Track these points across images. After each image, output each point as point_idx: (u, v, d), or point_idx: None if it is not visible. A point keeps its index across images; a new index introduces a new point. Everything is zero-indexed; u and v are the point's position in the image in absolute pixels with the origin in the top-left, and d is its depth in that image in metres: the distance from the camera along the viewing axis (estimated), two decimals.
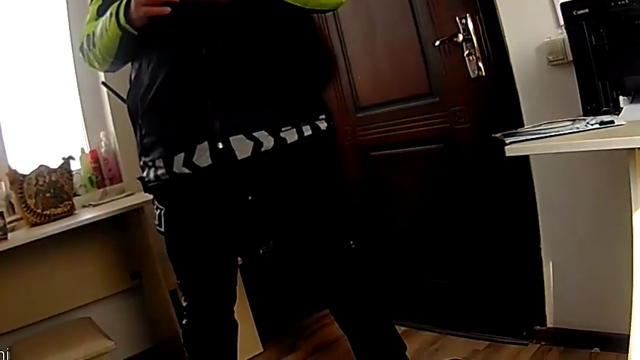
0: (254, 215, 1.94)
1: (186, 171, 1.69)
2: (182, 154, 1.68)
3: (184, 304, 2.00)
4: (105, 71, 1.97)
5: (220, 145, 1.65)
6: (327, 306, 2.13)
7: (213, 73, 1.64)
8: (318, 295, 2.16)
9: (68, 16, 3.01)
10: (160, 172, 1.73)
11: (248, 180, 1.77)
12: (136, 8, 1.59)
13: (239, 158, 1.67)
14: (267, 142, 1.69)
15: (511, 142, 1.61)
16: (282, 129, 1.71)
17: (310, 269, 2.02)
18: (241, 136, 1.66)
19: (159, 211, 1.86)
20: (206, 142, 1.66)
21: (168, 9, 1.56)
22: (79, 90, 2.99)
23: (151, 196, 1.92)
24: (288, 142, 1.72)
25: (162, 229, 1.86)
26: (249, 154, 1.67)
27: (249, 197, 1.84)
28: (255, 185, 1.80)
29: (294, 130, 1.73)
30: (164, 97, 1.68)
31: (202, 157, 1.66)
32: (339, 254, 1.96)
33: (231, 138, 1.65)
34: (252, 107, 1.67)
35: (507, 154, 1.61)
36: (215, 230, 1.86)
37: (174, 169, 1.70)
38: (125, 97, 1.89)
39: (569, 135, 1.54)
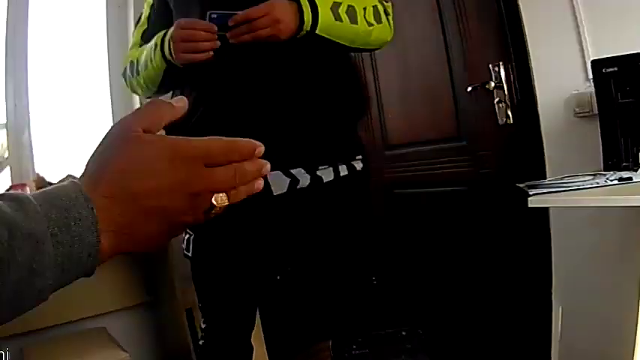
0: (279, 241, 1.99)
1: None
2: None
3: (203, 325, 1.99)
4: (148, 97, 1.95)
5: None
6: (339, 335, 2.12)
7: (253, 108, 1.63)
8: (335, 327, 2.16)
9: (107, 25, 3.11)
10: None
11: (281, 215, 1.75)
12: (176, 55, 1.60)
13: (274, 194, 1.66)
14: (304, 179, 1.68)
15: (534, 194, 1.65)
16: (320, 167, 1.70)
17: (329, 300, 1.97)
18: (279, 172, 1.65)
19: (187, 236, 1.84)
20: None
21: (211, 54, 1.57)
22: (111, 100, 3.05)
23: None
24: (324, 181, 1.70)
25: (190, 254, 1.85)
26: (285, 190, 1.67)
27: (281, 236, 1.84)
28: (288, 221, 1.79)
29: (331, 169, 1.72)
30: (203, 128, 1.61)
31: None
32: (360, 289, 1.93)
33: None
34: (291, 143, 1.65)
35: (530, 205, 1.64)
36: (243, 259, 1.84)
37: None
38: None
39: (589, 189, 1.59)
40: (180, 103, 0.66)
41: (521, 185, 1.78)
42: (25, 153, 2.88)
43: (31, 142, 2.92)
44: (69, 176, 2.62)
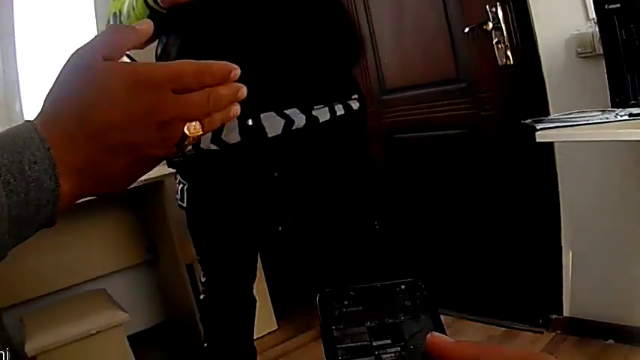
0: (279, 192, 1.93)
1: (214, 147, 1.64)
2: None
3: (203, 279, 1.97)
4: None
5: (250, 122, 1.60)
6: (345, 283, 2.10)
7: (244, 47, 1.58)
8: (339, 276, 2.15)
9: None
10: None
11: (276, 157, 1.73)
12: None
13: (269, 136, 1.62)
14: (299, 120, 1.64)
15: (542, 129, 1.62)
16: (315, 107, 1.66)
17: (331, 245, 1.98)
18: (272, 113, 1.61)
19: (181, 186, 1.82)
20: (236, 119, 1.63)
21: None
22: None
23: (173, 170, 1.89)
24: (320, 120, 1.66)
25: (185, 205, 1.82)
26: (280, 132, 1.62)
27: (276, 174, 1.81)
28: (282, 163, 1.76)
29: (327, 108, 1.68)
30: None
31: (231, 133, 1.62)
32: (363, 235, 1.92)
33: (261, 115, 1.61)
34: (284, 83, 1.62)
35: (538, 140, 1.62)
36: (239, 207, 1.82)
37: (201, 145, 1.65)
38: None
39: (598, 125, 1.55)
40: (144, 25, 0.58)
41: (527, 121, 1.74)
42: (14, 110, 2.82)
43: (22, 105, 2.86)
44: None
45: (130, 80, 0.50)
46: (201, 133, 0.54)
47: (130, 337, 2.39)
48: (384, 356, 0.46)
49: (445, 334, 0.46)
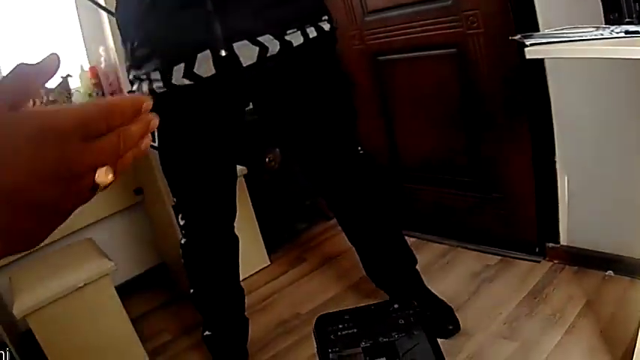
0: (257, 122, 1.93)
1: (187, 82, 1.62)
2: (182, 65, 1.60)
3: (181, 222, 1.97)
4: None
5: (223, 53, 1.58)
6: (335, 214, 2.11)
7: None
8: (327, 203, 2.12)
9: None
10: (155, 85, 1.65)
11: (251, 87, 1.71)
12: None
13: (244, 65, 1.61)
14: (273, 46, 1.62)
15: (532, 44, 1.52)
16: (287, 32, 1.64)
17: (318, 175, 1.97)
18: (245, 41, 1.59)
19: None
20: (208, 51, 1.58)
21: None
22: (76, 4, 2.85)
23: None
24: (294, 45, 1.65)
25: (156, 144, 1.80)
26: (255, 60, 1.61)
27: (250, 104, 1.84)
28: (258, 91, 1.75)
29: (299, 32, 1.67)
30: (161, 4, 1.58)
31: (204, 66, 1.60)
32: (347, 158, 1.91)
33: (234, 44, 1.58)
34: (254, 10, 1.59)
35: (527, 57, 1.53)
36: (213, 141, 1.81)
37: (172, 81, 1.62)
38: (112, 9, 1.78)
39: (593, 41, 1.44)
40: (52, 60, 0.50)
41: (515, 37, 1.63)
42: None
43: None
44: None
45: (35, 133, 0.44)
46: (113, 179, 0.49)
47: (123, 285, 2.39)
48: None
49: (439, 350, 0.48)
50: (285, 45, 1.64)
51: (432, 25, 2.37)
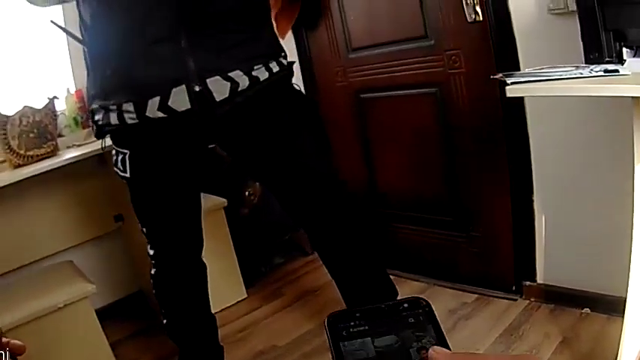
0: (232, 158, 1.98)
1: (161, 115, 1.64)
2: (157, 98, 1.62)
3: (151, 252, 1.99)
4: (45, 6, 1.89)
5: (197, 88, 1.62)
6: (315, 248, 2.10)
7: (186, 14, 1.59)
8: (308, 236, 2.12)
9: None
10: (127, 115, 1.67)
11: (222, 122, 1.73)
12: None
13: (217, 100, 1.65)
14: (243, 81, 1.68)
15: (513, 83, 1.55)
16: (254, 67, 1.70)
17: (295, 208, 1.97)
18: (217, 77, 1.64)
19: (122, 155, 1.80)
20: (183, 85, 1.62)
21: None
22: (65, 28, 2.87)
23: None
24: (261, 79, 1.71)
25: (128, 175, 1.82)
26: (227, 95, 1.66)
27: (211, 145, 1.89)
28: (228, 127, 1.77)
29: (264, 67, 1.73)
30: (136, 39, 1.61)
31: (179, 100, 1.62)
32: (324, 187, 1.90)
33: (207, 80, 1.63)
34: (223, 48, 1.65)
35: (508, 95, 1.56)
36: (180, 173, 1.84)
37: (147, 114, 1.65)
38: (78, 36, 1.79)
39: (573, 80, 1.49)
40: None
41: (497, 76, 1.68)
42: None
43: None
44: (25, 107, 2.49)
45: None
46: None
47: (100, 310, 2.36)
48: None
49: (448, 347, 0.49)
50: (253, 80, 1.69)
51: (414, 64, 2.43)
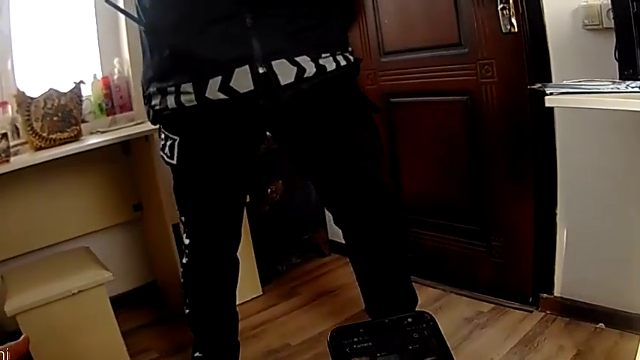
0: (263, 152, 1.90)
1: (222, 96, 1.57)
2: (219, 78, 1.56)
3: (186, 241, 1.93)
4: None
5: (262, 70, 1.56)
6: (347, 245, 2.03)
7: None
8: (342, 233, 2.06)
9: None
10: (185, 98, 1.61)
11: (284, 109, 1.67)
12: None
13: (282, 84, 1.59)
14: (310, 68, 1.62)
15: (552, 93, 1.56)
16: (322, 55, 1.65)
17: (336, 204, 1.92)
18: (283, 60, 1.59)
19: (170, 142, 1.75)
20: (246, 66, 1.56)
21: None
22: (95, 13, 2.88)
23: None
24: (328, 70, 1.66)
25: (175, 162, 1.76)
26: (292, 80, 1.60)
27: (267, 133, 1.85)
28: (288, 115, 1.72)
29: (331, 58, 1.68)
30: (197, 17, 1.56)
31: (242, 81, 1.56)
32: (370, 192, 1.86)
33: (272, 62, 1.57)
34: (290, 31, 1.60)
35: (547, 104, 1.57)
36: (232, 164, 1.79)
37: (206, 95, 1.58)
38: (137, 15, 1.72)
39: (609, 94, 1.49)
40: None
41: (536, 86, 1.70)
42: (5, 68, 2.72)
43: (12, 57, 2.72)
44: (51, 89, 2.49)
45: None
46: None
47: (113, 299, 2.35)
48: None
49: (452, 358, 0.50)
50: (320, 69, 1.64)
51: (446, 71, 2.44)
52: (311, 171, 1.89)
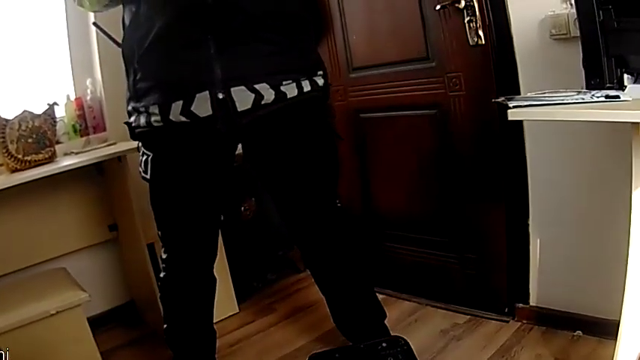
0: (236, 170, 1.94)
1: (184, 119, 1.65)
2: (180, 102, 1.63)
3: (164, 255, 1.98)
4: (94, 11, 1.94)
5: (221, 95, 1.62)
6: (308, 266, 2.13)
7: (216, 20, 1.59)
8: (301, 253, 2.15)
9: None
10: (153, 118, 1.69)
11: (242, 132, 1.74)
12: None
13: (239, 110, 1.64)
14: (268, 95, 1.67)
15: (514, 106, 1.57)
16: (283, 82, 1.69)
17: (295, 225, 2.01)
18: (242, 87, 1.63)
19: (145, 157, 1.82)
20: (207, 92, 1.62)
21: None
22: (68, 34, 2.88)
23: (135, 145, 1.90)
24: (288, 96, 1.70)
25: (148, 176, 1.83)
26: (249, 106, 1.65)
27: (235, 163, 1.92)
28: (248, 138, 1.80)
29: (294, 84, 1.72)
30: (165, 42, 1.63)
31: (202, 106, 1.63)
32: (325, 211, 1.96)
33: (232, 89, 1.62)
34: (253, 58, 1.64)
35: (510, 118, 1.57)
36: (203, 181, 1.84)
37: (170, 117, 1.66)
38: (118, 40, 1.83)
39: (574, 105, 1.50)
40: None
41: (499, 99, 1.70)
42: None
43: None
44: (25, 111, 2.49)
45: None
46: None
47: (91, 319, 2.34)
48: None
49: None
50: (280, 95, 1.69)
51: (415, 85, 2.45)
52: (270, 188, 1.98)
